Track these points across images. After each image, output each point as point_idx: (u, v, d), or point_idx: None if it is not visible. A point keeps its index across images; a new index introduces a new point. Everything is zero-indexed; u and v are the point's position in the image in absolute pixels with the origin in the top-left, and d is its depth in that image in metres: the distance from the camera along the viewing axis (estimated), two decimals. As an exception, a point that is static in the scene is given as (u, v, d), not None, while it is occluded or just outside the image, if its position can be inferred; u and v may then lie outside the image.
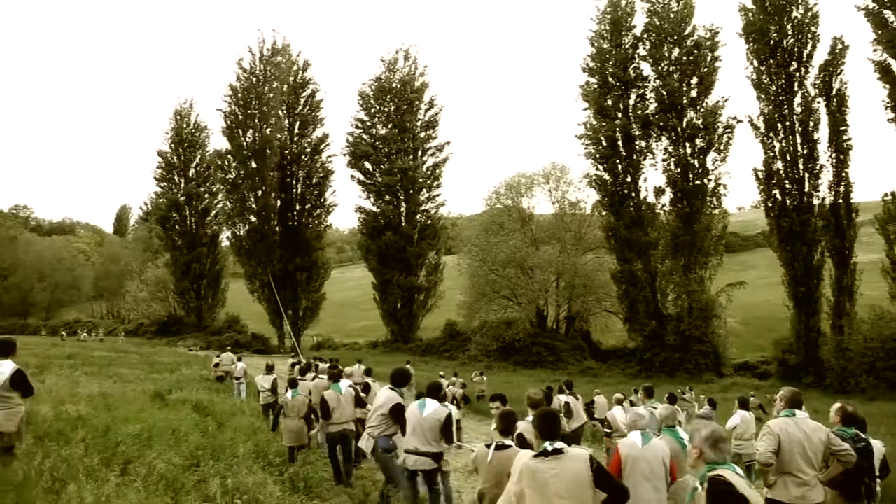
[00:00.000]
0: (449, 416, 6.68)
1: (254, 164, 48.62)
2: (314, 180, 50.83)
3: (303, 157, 50.72)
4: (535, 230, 45.49)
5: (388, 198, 49.40)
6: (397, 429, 7.14)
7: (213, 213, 59.05)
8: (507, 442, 5.04)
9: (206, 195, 58.86)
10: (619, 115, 39.10)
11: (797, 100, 33.66)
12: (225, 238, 56.25)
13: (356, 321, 62.43)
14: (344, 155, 50.74)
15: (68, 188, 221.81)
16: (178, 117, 60.89)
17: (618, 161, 38.78)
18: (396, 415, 7.08)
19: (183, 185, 59.67)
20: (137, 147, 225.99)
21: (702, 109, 37.41)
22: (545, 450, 3.74)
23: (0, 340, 6.98)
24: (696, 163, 37.48)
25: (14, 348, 6.92)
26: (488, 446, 5.13)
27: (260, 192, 49.01)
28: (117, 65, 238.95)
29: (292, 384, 10.43)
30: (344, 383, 9.50)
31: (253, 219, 49.63)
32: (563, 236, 43.62)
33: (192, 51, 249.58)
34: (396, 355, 40.18)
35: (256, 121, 49.29)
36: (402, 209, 49.58)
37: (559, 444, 3.77)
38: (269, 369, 14.53)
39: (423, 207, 49.98)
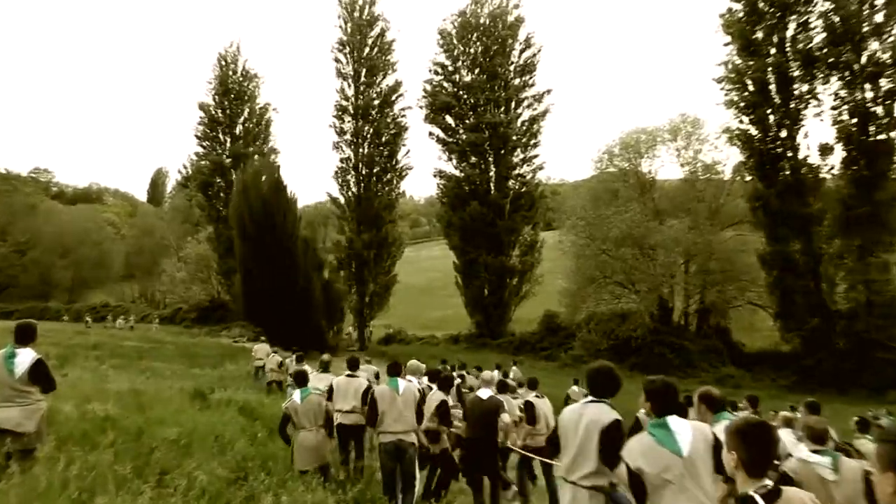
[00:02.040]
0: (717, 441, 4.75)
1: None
2: (384, 138, 51.14)
3: (370, 110, 51.03)
4: (657, 200, 44.51)
5: (473, 159, 49.41)
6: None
7: (263, 177, 60.51)
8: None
9: (257, 156, 60.44)
10: (773, 50, 37.40)
11: None
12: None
13: (433, 310, 62.93)
14: (420, 108, 51.03)
15: (95, 150, 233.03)
16: (223, 63, 62.69)
17: (769, 111, 37.14)
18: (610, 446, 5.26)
19: (229, 144, 61.61)
20: (176, 101, 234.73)
21: (890, 38, 35.03)
22: (749, 497, 3.07)
23: (19, 325, 7.24)
24: (881, 111, 35.24)
25: (34, 334, 7.17)
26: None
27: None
28: (152, 9, 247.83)
29: (299, 379, 9.34)
30: (402, 381, 9.15)
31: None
32: (694, 207, 42.46)
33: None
34: (483, 353, 40.32)
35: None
36: (492, 173, 49.61)
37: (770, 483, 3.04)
38: (325, 366, 13.09)
39: (516, 171, 49.90)
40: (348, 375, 10.52)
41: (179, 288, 69.18)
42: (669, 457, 4.51)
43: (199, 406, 13.39)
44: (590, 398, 5.52)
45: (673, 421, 4.72)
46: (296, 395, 9.08)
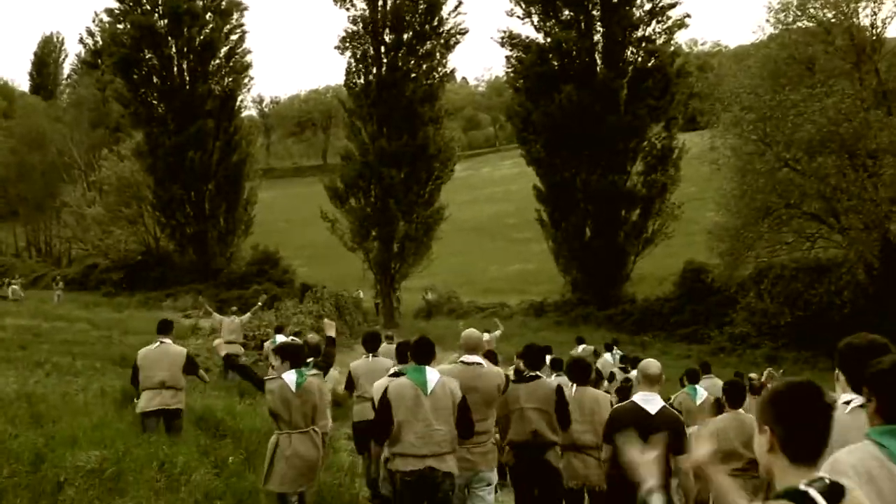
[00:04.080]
0: None
1: None
2: (418, -15, 50.92)
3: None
4: (885, 73, 43.16)
5: (567, 14, 49.04)
6: None
7: (224, 49, 60.56)
8: None
9: (211, 15, 60.64)
10: None
11: None
12: (250, 101, 57.63)
13: (503, 262, 63.18)
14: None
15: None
16: None
17: None
18: None
19: (163, -6, 61.42)
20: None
21: None
22: (800, 492, 3.24)
23: None
24: None
25: None
26: None
27: None
28: None
29: (290, 355, 9.51)
30: (433, 372, 8.66)
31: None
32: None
33: None
34: (584, 331, 39.99)
35: None
36: (598, 37, 49.27)
37: None
38: (318, 353, 12.04)
39: (639, 33, 49.37)
40: (368, 357, 10.78)
41: (93, 232, 69.31)
42: None
43: (131, 417, 13.52)
44: (850, 397, 4.93)
45: None
46: (288, 377, 9.03)
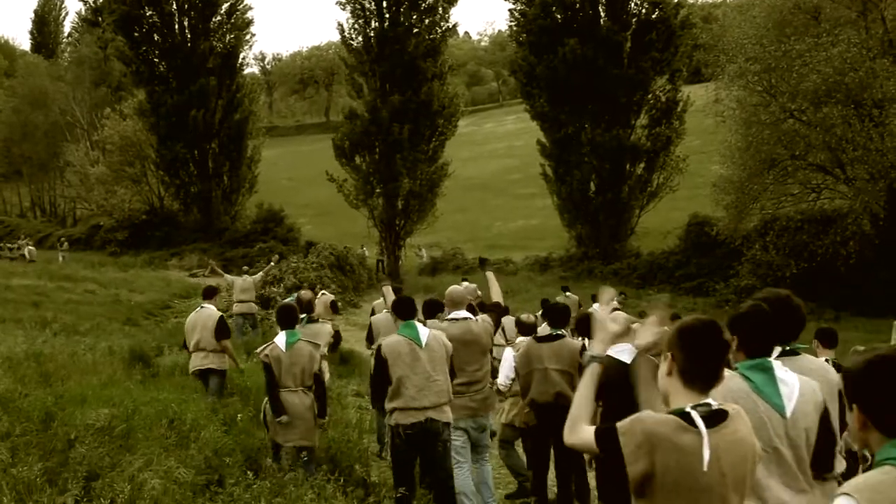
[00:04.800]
0: None
1: None
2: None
3: None
4: (891, 21, 42.76)
5: (569, -34, 48.46)
6: None
7: (225, 6, 60.33)
8: None
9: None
10: None
11: None
12: (252, 58, 57.47)
13: (507, 218, 63.05)
14: None
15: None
16: None
17: None
18: None
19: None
20: None
21: None
22: (685, 413, 3.85)
23: None
24: None
25: None
26: None
27: None
28: None
29: (284, 317, 10.13)
30: (423, 327, 9.04)
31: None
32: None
33: None
34: (588, 285, 39.99)
35: None
36: (600, -10, 48.74)
37: None
38: (308, 309, 13.98)
39: (641, -14, 48.88)
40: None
41: (97, 192, 68.79)
42: (769, 413, 4.74)
43: (139, 376, 13.63)
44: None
45: (778, 366, 4.94)
46: (279, 339, 9.51)
